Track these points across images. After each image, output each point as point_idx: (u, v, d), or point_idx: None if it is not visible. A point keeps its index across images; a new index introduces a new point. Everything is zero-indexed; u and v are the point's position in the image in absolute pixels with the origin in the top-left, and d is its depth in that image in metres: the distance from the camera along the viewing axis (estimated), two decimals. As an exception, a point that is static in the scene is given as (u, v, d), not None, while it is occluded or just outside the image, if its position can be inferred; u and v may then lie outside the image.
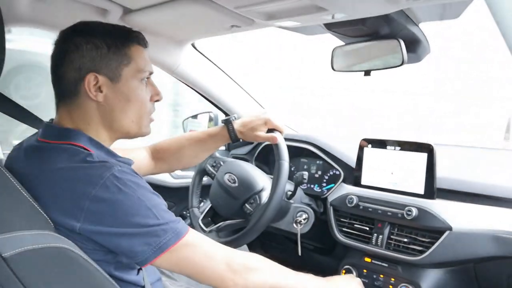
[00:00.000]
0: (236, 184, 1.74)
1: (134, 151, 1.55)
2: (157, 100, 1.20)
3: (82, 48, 1.06)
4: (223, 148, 2.48)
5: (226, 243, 1.63)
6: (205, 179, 1.91)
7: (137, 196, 0.98)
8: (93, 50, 1.06)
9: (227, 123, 1.60)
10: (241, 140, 1.62)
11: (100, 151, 1.08)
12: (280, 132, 1.59)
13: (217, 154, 1.95)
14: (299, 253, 1.74)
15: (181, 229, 1.02)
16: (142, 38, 1.15)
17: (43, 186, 0.98)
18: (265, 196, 1.66)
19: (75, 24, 1.11)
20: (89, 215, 0.95)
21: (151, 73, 1.17)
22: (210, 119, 2.31)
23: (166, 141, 1.68)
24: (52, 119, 1.15)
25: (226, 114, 2.31)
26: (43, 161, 1.03)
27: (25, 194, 0.93)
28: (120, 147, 1.26)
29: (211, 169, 1.90)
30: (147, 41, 1.18)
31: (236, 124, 1.60)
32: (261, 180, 1.76)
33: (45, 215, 0.94)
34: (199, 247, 1.05)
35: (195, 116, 2.37)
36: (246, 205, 1.69)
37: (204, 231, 1.76)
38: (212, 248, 1.08)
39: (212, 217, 1.85)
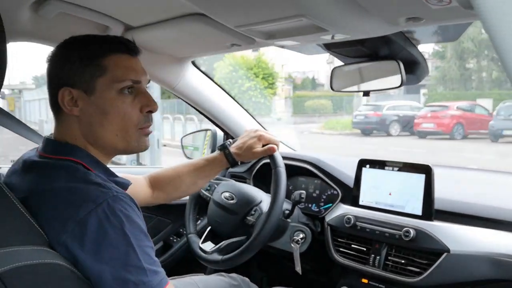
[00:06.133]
0: (235, 200, 1.74)
1: (132, 179, 1.50)
2: (150, 111, 1.13)
3: (58, 62, 1.07)
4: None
5: (231, 259, 1.62)
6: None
7: (123, 230, 0.93)
8: (66, 64, 1.05)
9: (223, 148, 1.61)
10: (239, 163, 1.62)
11: (99, 170, 1.07)
12: (275, 144, 1.61)
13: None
14: (300, 272, 1.72)
15: (155, 286, 0.94)
16: (124, 46, 1.10)
17: (39, 202, 0.97)
18: (265, 206, 1.66)
19: (65, 39, 1.10)
20: (71, 238, 0.92)
21: (136, 82, 1.10)
22: (211, 136, 2.31)
23: (163, 170, 1.67)
24: (51, 134, 1.14)
25: (225, 132, 2.32)
26: (41, 177, 1.02)
27: (22, 209, 0.92)
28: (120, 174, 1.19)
29: (205, 193, 1.90)
30: (137, 49, 1.12)
31: (232, 148, 1.62)
32: (259, 194, 1.76)
33: (41, 231, 0.93)
34: None
35: (193, 134, 2.37)
36: (248, 217, 1.69)
37: (205, 252, 1.74)
38: None
39: (212, 239, 1.83)
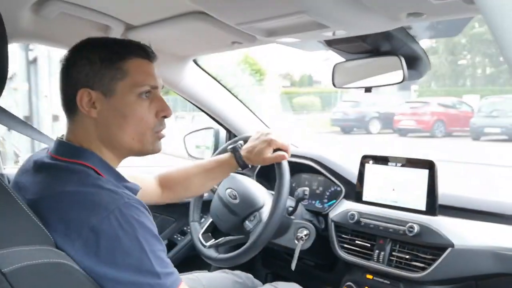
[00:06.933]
0: (237, 201, 1.74)
1: (141, 178, 1.52)
2: (165, 116, 1.15)
3: (78, 64, 1.06)
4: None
5: (225, 260, 1.64)
6: (206, 194, 1.91)
7: (136, 236, 0.94)
8: (86, 65, 1.06)
9: (234, 151, 1.60)
10: (249, 166, 1.62)
11: (110, 175, 1.07)
12: (286, 151, 1.58)
13: None
14: (293, 268, 1.73)
15: (169, 286, 0.97)
16: (144, 51, 1.12)
17: (50, 207, 0.98)
18: (265, 213, 1.66)
19: (82, 40, 1.11)
20: (85, 245, 0.93)
21: (154, 87, 1.12)
22: (213, 135, 2.31)
23: (173, 170, 1.67)
24: (63, 135, 1.14)
25: (228, 130, 2.32)
26: (53, 181, 1.02)
27: (26, 209, 0.93)
28: (130, 174, 1.23)
29: None
30: (154, 54, 1.14)
31: (243, 151, 1.60)
32: (262, 196, 1.76)
33: (45, 230, 0.94)
34: None
35: (196, 132, 2.37)
36: (247, 222, 1.69)
37: (203, 246, 1.75)
38: None
39: (213, 232, 1.85)
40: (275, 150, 1.58)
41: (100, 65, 1.06)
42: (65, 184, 1.00)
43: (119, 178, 1.10)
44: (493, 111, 13.78)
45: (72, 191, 0.98)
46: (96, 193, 0.98)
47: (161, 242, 1.01)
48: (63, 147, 1.09)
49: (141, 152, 1.15)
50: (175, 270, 1.01)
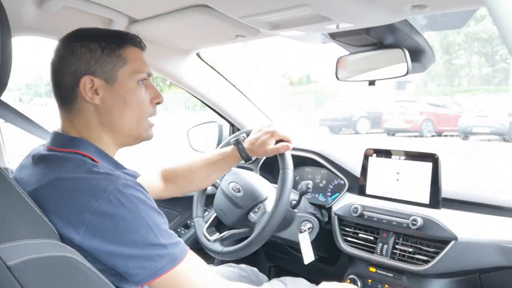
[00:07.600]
0: (241, 194, 1.75)
1: (144, 173, 1.52)
2: (158, 103, 1.20)
3: (77, 52, 1.07)
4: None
5: (231, 253, 1.64)
6: (209, 188, 1.91)
7: (138, 213, 0.97)
8: (87, 54, 1.07)
9: (237, 143, 1.62)
10: (252, 158, 1.62)
11: (107, 162, 1.09)
12: (288, 141, 1.60)
13: None
14: (306, 262, 1.73)
15: (178, 254, 1.01)
16: (138, 41, 1.16)
17: (48, 195, 0.99)
18: (269, 205, 1.66)
19: (73, 30, 1.12)
20: (90, 228, 0.94)
21: (149, 75, 1.17)
22: (217, 129, 2.31)
23: (176, 164, 1.68)
24: (59, 128, 1.15)
25: (231, 124, 2.31)
26: (49, 170, 1.03)
27: (30, 203, 0.93)
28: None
29: None
30: (145, 44, 1.18)
31: (246, 143, 1.62)
32: (266, 189, 1.77)
33: (50, 224, 0.94)
34: (193, 275, 1.04)
35: (199, 125, 2.37)
36: (251, 214, 1.70)
37: (208, 240, 1.76)
38: (207, 277, 1.07)
39: (217, 226, 1.85)
40: (277, 142, 1.60)
41: (101, 53, 1.08)
42: (61, 171, 1.01)
43: (117, 165, 1.12)
44: (483, 111, 13.73)
45: (68, 177, 1.00)
46: (93, 178, 0.99)
47: (162, 215, 1.04)
48: (59, 138, 1.11)
49: (137, 139, 1.18)
50: (181, 240, 1.05)
